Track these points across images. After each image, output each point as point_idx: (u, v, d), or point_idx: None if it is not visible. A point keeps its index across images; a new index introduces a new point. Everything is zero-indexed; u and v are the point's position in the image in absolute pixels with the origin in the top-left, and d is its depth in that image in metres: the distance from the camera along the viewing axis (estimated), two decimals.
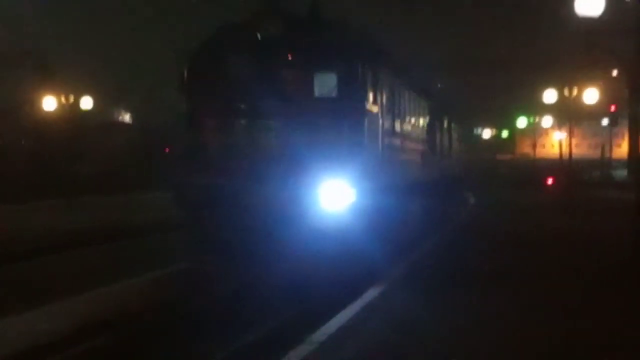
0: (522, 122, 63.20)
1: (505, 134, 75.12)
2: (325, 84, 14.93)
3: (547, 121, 55.78)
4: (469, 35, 79.17)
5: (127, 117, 66.56)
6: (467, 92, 65.58)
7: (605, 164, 64.37)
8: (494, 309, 11.32)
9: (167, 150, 44.41)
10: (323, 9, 15.71)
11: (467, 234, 22.45)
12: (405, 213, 18.26)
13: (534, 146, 69.48)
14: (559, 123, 50.75)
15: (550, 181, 47.44)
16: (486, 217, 27.82)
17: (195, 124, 15.08)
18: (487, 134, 73.91)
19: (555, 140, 67.50)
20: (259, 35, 14.78)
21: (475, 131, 69.10)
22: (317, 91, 14.95)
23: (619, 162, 62.64)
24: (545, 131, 78.81)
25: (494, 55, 76.29)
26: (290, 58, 14.97)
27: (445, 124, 27.23)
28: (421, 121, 21.63)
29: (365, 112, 14.92)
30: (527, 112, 61.55)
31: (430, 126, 22.80)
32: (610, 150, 65.64)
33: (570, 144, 41.46)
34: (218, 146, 14.78)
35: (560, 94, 38.39)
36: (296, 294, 13.25)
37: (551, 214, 28.69)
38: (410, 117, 19.76)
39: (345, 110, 14.57)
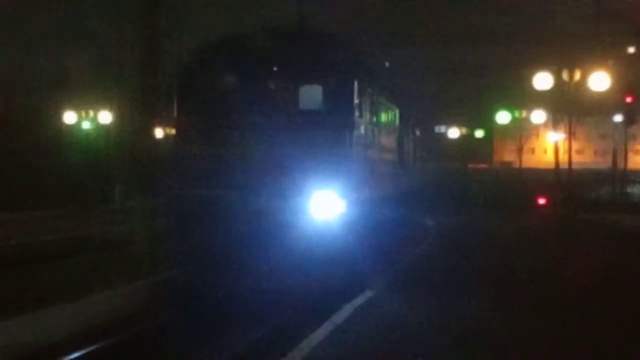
0: (503, 117, 60.17)
1: (479, 133, 72.36)
2: (312, 97, 19.13)
3: (538, 116, 53.69)
4: None
5: None
6: (424, 75, 63.76)
7: (617, 177, 63.14)
8: None
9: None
10: (311, 22, 21.75)
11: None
12: (381, 223, 22.60)
13: (520, 151, 73.51)
14: (555, 119, 51.21)
15: (542, 201, 48.23)
16: (449, 255, 25.20)
17: (185, 136, 19.44)
18: (454, 133, 70.15)
19: (549, 144, 68.01)
20: (247, 49, 19.19)
21: (437, 130, 67.25)
22: (303, 104, 19.09)
23: (637, 175, 62.01)
24: (536, 131, 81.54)
25: (466, 27, 72.20)
26: (276, 70, 19.23)
27: (410, 130, 32.20)
28: (394, 131, 26.48)
29: (354, 125, 18.99)
30: (511, 104, 59.80)
31: (399, 136, 27.61)
32: (625, 157, 63.18)
33: (569, 149, 42.18)
34: (207, 157, 18.83)
35: (557, 78, 38.29)
36: (285, 303, 16.32)
37: (545, 251, 26.67)
38: (386, 128, 24.53)
39: (334, 123, 18.61)
